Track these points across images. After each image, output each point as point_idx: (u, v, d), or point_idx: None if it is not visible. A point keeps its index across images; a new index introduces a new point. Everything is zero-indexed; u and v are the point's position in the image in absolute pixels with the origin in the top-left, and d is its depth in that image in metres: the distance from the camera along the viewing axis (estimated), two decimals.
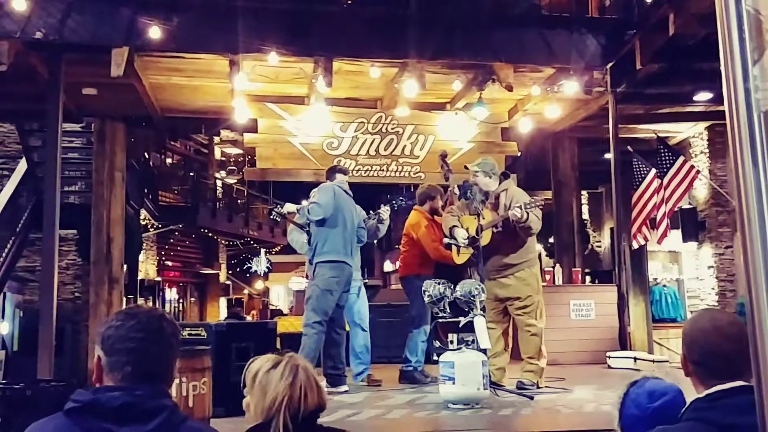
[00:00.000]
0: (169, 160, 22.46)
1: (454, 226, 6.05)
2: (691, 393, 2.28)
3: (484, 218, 5.86)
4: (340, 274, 6.04)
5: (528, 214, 5.68)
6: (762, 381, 0.96)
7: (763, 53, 0.96)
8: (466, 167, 6.27)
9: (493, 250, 5.95)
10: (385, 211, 6.51)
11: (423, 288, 5.62)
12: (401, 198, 7.11)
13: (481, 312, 5.29)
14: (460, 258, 6.13)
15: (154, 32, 6.94)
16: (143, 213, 15.33)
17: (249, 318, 23.00)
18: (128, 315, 1.79)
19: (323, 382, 5.94)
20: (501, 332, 6.06)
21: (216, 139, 21.73)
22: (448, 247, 6.23)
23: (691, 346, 1.88)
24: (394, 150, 9.26)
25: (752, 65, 0.97)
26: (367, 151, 9.20)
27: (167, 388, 1.79)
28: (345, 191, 6.34)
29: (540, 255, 14.34)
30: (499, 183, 6.11)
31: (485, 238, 5.85)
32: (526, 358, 5.96)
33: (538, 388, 5.79)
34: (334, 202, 6.17)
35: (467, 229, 5.97)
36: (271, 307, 25.47)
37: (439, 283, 5.56)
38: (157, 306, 18.21)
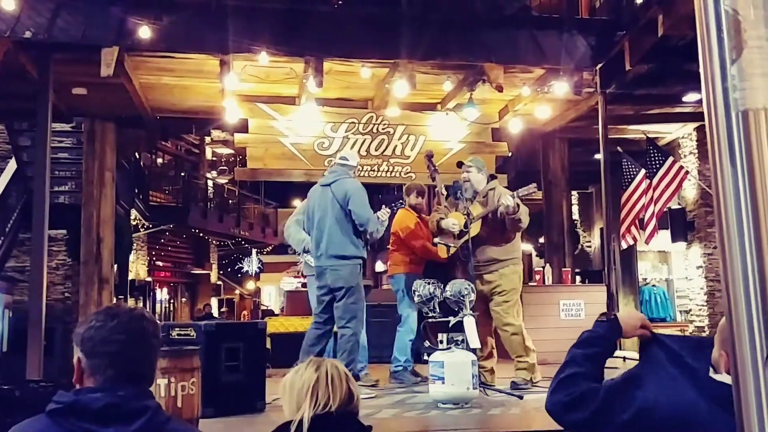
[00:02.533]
0: (159, 160, 22.41)
1: (441, 218, 6.09)
2: None
3: (473, 215, 5.90)
4: (315, 273, 6.05)
5: (519, 205, 5.70)
6: (739, 380, 0.97)
7: (742, 53, 0.97)
8: (459, 164, 6.33)
9: (480, 243, 6.00)
10: (384, 213, 6.43)
11: (413, 288, 5.63)
12: (400, 201, 7.11)
13: (471, 312, 5.30)
14: (450, 251, 6.13)
15: (144, 32, 6.92)
16: (134, 213, 15.29)
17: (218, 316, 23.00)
18: (108, 315, 1.75)
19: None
20: (487, 334, 6.08)
21: (207, 139, 21.73)
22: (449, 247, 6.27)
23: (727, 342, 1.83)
24: (385, 150, 9.26)
25: (730, 65, 0.98)
26: (358, 151, 9.19)
27: (149, 387, 1.78)
28: (323, 185, 6.10)
29: (531, 255, 14.41)
30: (487, 182, 6.19)
31: (473, 230, 5.90)
32: (515, 358, 5.99)
33: (534, 383, 5.80)
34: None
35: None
36: (262, 308, 25.45)
37: (428, 283, 5.58)
38: (147, 306, 18.19)
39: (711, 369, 1.88)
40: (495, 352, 6.18)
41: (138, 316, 1.79)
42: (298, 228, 6.63)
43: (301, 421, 1.99)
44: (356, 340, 5.79)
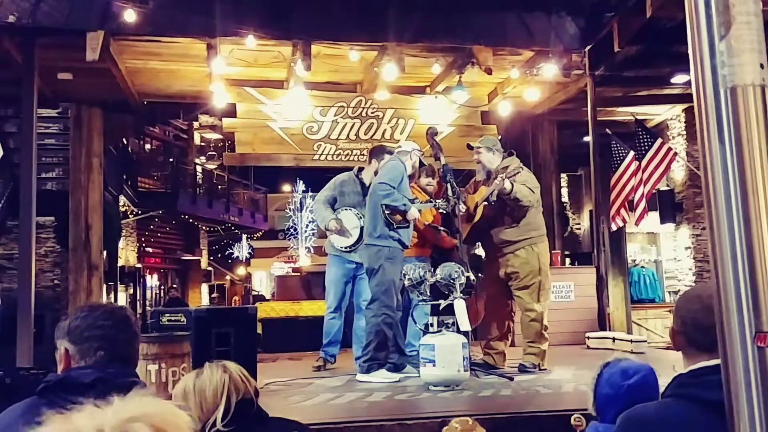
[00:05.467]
0: (148, 146, 22.28)
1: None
2: (664, 372, 2.32)
3: (463, 201, 5.87)
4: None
5: (512, 184, 5.57)
6: (728, 357, 0.97)
7: (730, 29, 0.97)
8: (469, 146, 6.21)
9: (489, 226, 5.90)
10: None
11: (403, 272, 5.61)
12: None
13: (461, 295, 5.31)
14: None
15: (129, 15, 6.84)
16: (122, 199, 15.20)
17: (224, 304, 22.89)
18: (93, 307, 1.93)
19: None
20: (501, 316, 6.04)
21: (195, 124, 21.58)
22: (438, 231, 6.24)
23: (683, 319, 1.85)
24: (374, 134, 9.24)
25: (719, 41, 0.97)
26: (348, 135, 9.17)
27: (134, 370, 1.93)
28: None
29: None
30: (502, 160, 6.03)
31: (477, 214, 5.85)
32: (526, 342, 5.93)
33: (541, 369, 5.79)
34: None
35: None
36: (253, 293, 25.49)
37: (419, 267, 5.57)
38: (138, 292, 18.17)
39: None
40: (510, 334, 6.09)
41: (118, 307, 2.00)
42: (325, 204, 6.53)
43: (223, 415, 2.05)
44: (378, 324, 5.57)
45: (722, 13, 0.97)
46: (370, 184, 6.18)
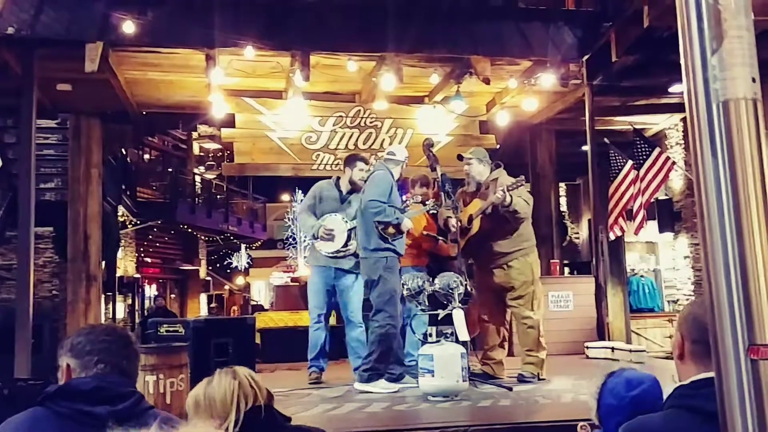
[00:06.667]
0: (147, 156, 22.29)
1: (448, 217, 5.94)
2: (664, 382, 2.31)
3: (460, 211, 5.88)
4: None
5: (511, 197, 5.62)
6: (722, 369, 0.97)
7: (722, 43, 0.97)
8: (459, 157, 6.24)
9: (485, 239, 5.92)
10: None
11: (402, 281, 5.61)
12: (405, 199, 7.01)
13: (460, 305, 5.31)
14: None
15: (128, 27, 6.87)
16: (121, 209, 15.20)
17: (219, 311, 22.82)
18: (94, 326, 2.04)
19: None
20: (497, 325, 6.05)
21: (194, 134, 21.62)
22: (436, 240, 6.24)
23: (692, 325, 1.80)
24: (372, 144, 9.25)
25: (711, 55, 0.98)
26: (346, 145, 9.18)
27: (133, 383, 1.97)
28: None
29: None
30: (491, 172, 6.09)
31: (474, 227, 5.87)
32: (525, 351, 5.93)
33: (540, 379, 5.80)
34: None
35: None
36: (252, 303, 25.41)
37: (417, 277, 5.57)
38: (136, 302, 18.13)
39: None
40: (506, 343, 6.10)
41: (119, 327, 2.13)
42: (308, 213, 6.51)
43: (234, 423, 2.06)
44: (383, 334, 5.56)
45: (714, 27, 0.98)
46: (348, 192, 6.35)
